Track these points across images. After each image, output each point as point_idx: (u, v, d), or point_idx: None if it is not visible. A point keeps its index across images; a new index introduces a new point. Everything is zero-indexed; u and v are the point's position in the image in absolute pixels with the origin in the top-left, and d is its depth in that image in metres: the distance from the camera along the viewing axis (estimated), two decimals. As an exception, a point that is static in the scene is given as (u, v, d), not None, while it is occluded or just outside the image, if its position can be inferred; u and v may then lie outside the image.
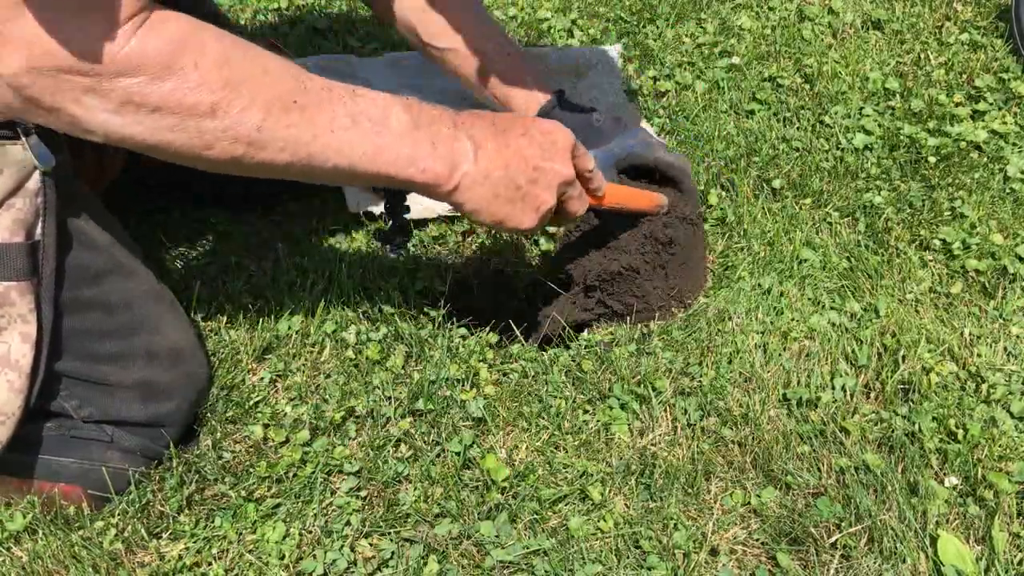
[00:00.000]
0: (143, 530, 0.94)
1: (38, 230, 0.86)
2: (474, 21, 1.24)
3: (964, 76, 1.70)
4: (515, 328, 1.17)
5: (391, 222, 1.23)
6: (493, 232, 1.26)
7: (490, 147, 0.92)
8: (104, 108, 0.76)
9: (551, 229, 1.26)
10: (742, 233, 1.35)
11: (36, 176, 0.84)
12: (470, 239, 1.37)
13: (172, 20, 0.76)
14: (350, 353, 1.13)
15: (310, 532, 0.96)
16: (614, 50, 1.72)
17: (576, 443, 1.05)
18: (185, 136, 0.78)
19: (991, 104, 1.63)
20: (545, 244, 1.34)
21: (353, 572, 0.93)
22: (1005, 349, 1.20)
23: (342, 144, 0.84)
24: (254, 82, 0.79)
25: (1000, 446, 1.05)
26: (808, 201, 1.43)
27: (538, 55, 1.69)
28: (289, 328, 1.15)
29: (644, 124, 1.53)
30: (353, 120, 0.85)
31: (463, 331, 1.17)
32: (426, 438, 1.05)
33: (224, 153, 0.80)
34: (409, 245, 1.21)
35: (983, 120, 1.60)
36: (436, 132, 0.89)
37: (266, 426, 1.05)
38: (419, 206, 1.35)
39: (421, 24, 1.25)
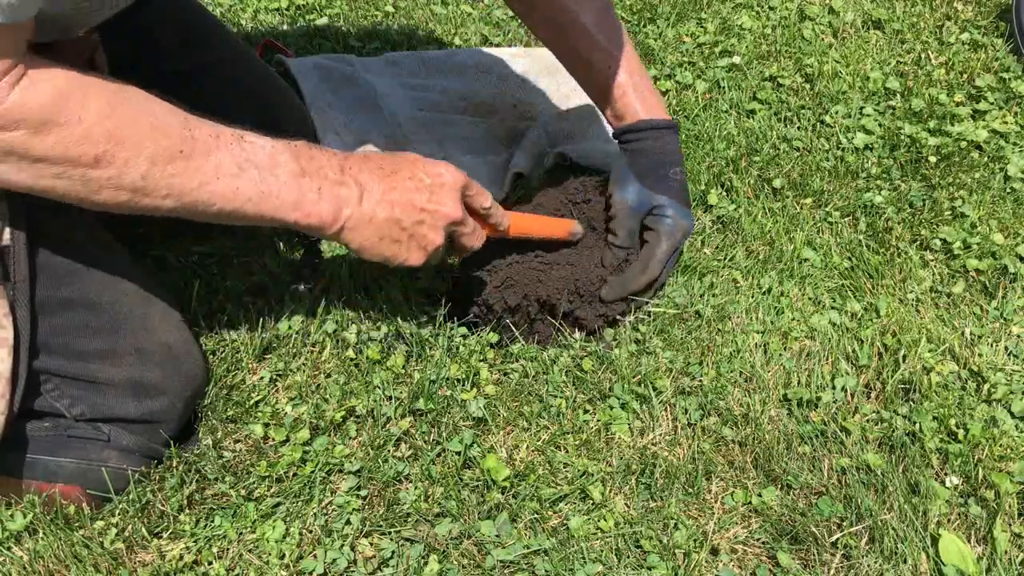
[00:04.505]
0: (144, 529, 0.94)
1: (6, 234, 0.86)
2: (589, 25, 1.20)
3: (964, 76, 1.70)
4: (514, 328, 1.17)
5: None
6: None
7: (376, 190, 0.94)
8: None
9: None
10: (741, 232, 1.35)
11: None
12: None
13: (53, 74, 0.77)
14: (350, 353, 1.13)
15: (310, 531, 0.96)
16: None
17: (576, 443, 1.05)
18: (70, 183, 0.80)
19: (991, 104, 1.63)
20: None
21: (353, 571, 0.93)
22: (1006, 349, 1.20)
23: (227, 191, 0.86)
24: (139, 133, 0.81)
25: (1001, 446, 1.05)
26: (809, 201, 1.43)
27: (540, 56, 1.69)
28: (289, 328, 1.15)
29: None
30: (240, 167, 0.86)
31: (463, 331, 1.17)
32: (426, 438, 1.05)
33: (110, 198, 0.82)
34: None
35: (984, 120, 1.60)
36: (322, 177, 0.92)
37: (266, 425, 1.05)
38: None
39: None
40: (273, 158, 0.89)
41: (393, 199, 0.95)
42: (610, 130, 1.24)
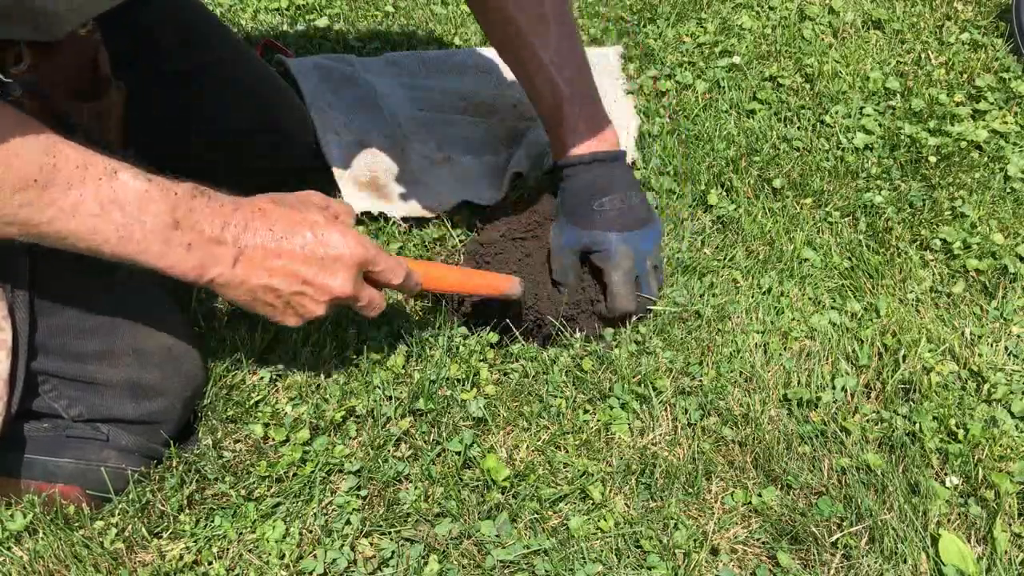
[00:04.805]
0: (144, 529, 0.94)
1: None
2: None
3: (964, 76, 1.70)
4: (514, 328, 1.17)
5: None
6: None
7: (256, 257, 0.89)
8: None
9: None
10: (741, 232, 1.35)
11: None
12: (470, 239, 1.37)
13: None
14: (350, 353, 1.13)
15: (310, 531, 0.96)
16: (615, 50, 1.72)
17: (576, 443, 1.05)
18: None
19: (992, 104, 1.63)
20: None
21: (353, 572, 0.93)
22: (1006, 348, 1.20)
23: (82, 229, 0.81)
24: None
25: (1001, 446, 1.05)
26: (809, 201, 1.43)
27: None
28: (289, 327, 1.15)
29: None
30: (102, 207, 0.81)
31: (463, 331, 1.17)
32: (426, 438, 1.05)
33: None
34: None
35: (984, 120, 1.60)
36: (197, 232, 0.86)
37: (266, 425, 1.05)
38: (418, 205, 1.35)
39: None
40: (144, 204, 0.83)
41: (274, 267, 0.90)
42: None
